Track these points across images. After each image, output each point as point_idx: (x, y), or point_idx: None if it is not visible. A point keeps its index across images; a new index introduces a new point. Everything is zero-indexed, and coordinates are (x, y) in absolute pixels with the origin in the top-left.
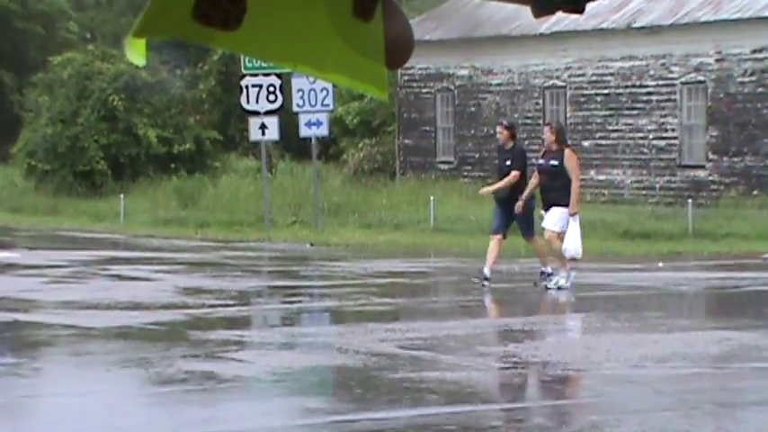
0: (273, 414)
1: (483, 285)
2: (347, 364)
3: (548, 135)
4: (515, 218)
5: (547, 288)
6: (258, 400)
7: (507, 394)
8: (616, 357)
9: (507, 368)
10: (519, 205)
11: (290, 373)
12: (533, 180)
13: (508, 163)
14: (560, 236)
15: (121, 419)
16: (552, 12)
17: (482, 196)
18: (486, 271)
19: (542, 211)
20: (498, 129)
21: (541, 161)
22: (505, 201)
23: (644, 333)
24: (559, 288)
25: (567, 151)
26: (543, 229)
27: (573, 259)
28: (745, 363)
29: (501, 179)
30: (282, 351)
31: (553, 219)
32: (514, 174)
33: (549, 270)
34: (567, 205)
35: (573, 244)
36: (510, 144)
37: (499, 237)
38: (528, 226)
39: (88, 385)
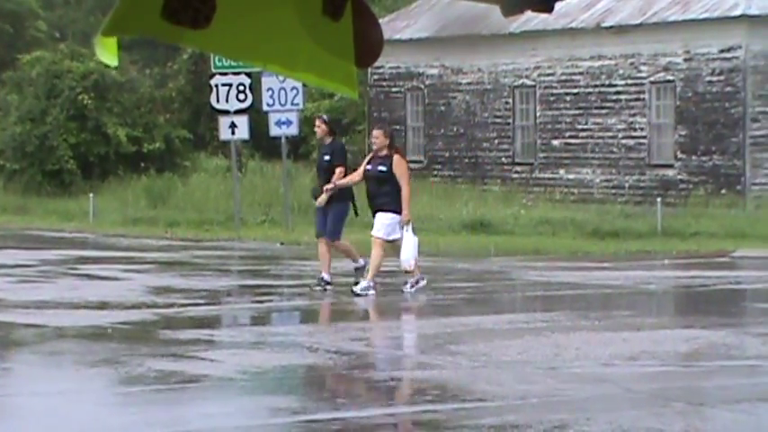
0: (243, 413)
1: (325, 290)
2: (317, 364)
3: (380, 139)
4: (329, 216)
5: (355, 294)
6: (228, 400)
7: (477, 393)
8: (586, 356)
9: (477, 367)
10: (322, 199)
11: (260, 373)
12: (352, 178)
13: (327, 158)
14: (385, 243)
15: (91, 419)
16: (522, 11)
17: (451, 194)
18: (325, 276)
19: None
20: (317, 123)
21: (369, 166)
22: (326, 200)
23: (613, 332)
24: (357, 295)
25: (396, 157)
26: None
27: (407, 271)
28: (713, 361)
29: (320, 175)
30: (252, 350)
31: (379, 225)
32: (340, 170)
33: (361, 263)
34: (394, 211)
35: (407, 254)
36: (329, 139)
37: (325, 239)
38: (335, 229)
39: (58, 385)
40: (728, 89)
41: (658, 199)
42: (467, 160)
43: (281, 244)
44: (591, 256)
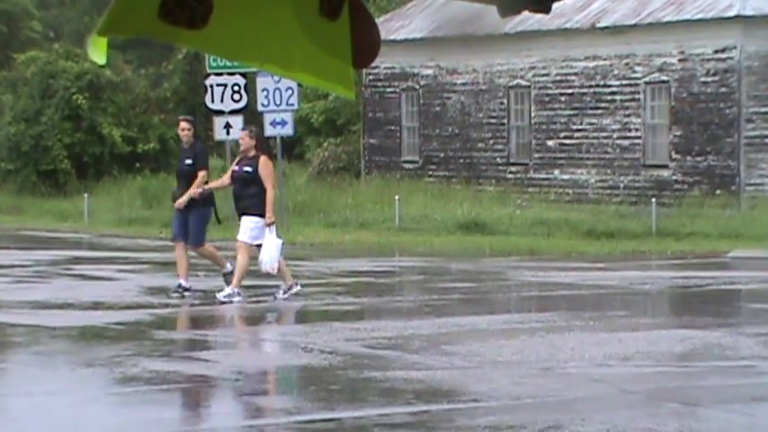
0: (238, 414)
1: (183, 296)
2: (312, 364)
3: (246, 140)
4: (189, 222)
5: (220, 301)
6: (223, 400)
7: (472, 393)
8: (581, 356)
9: (472, 367)
10: (180, 201)
11: (254, 373)
12: (215, 183)
13: (189, 162)
14: (251, 248)
15: (86, 419)
16: (519, 11)
17: (446, 195)
18: (183, 282)
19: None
20: (185, 125)
21: (236, 168)
22: (185, 204)
23: (608, 332)
24: (221, 302)
25: (262, 158)
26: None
27: (269, 274)
28: (707, 361)
29: (180, 179)
30: (247, 351)
31: (244, 228)
32: (202, 174)
33: (228, 268)
34: (259, 215)
35: (267, 256)
36: (191, 142)
37: (182, 243)
38: (197, 234)
39: (52, 385)
40: (723, 90)
41: (653, 199)
42: (462, 160)
43: None
44: (586, 257)
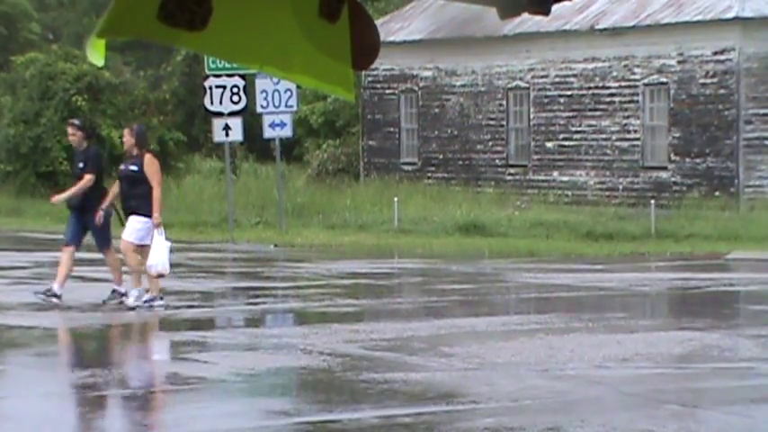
0: (237, 415)
1: (53, 302)
2: (311, 366)
3: (127, 138)
4: (91, 228)
5: (129, 308)
6: (222, 402)
7: (471, 395)
8: (579, 358)
9: (471, 369)
10: (99, 215)
11: (253, 375)
12: (114, 187)
13: (81, 166)
14: (140, 249)
15: (84, 421)
16: (518, 13)
17: (445, 196)
18: (56, 287)
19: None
20: (70, 130)
21: (122, 167)
22: (79, 209)
23: (607, 333)
24: (132, 308)
25: (147, 156)
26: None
27: (160, 276)
28: (707, 363)
29: (75, 183)
30: (246, 352)
31: (131, 229)
32: (88, 177)
33: (122, 290)
34: (147, 215)
35: (157, 258)
36: (84, 145)
37: (72, 249)
38: (103, 238)
39: (51, 387)
40: (722, 91)
41: (652, 201)
42: (461, 162)
43: (275, 246)
44: (585, 258)
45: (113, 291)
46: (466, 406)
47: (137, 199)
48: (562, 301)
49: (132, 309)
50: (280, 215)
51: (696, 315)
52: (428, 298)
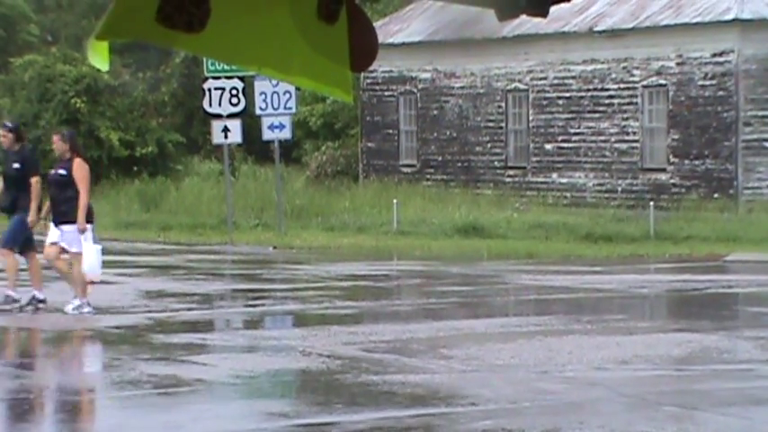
0: (236, 417)
1: (37, 309)
2: (310, 368)
3: (57, 144)
4: (10, 225)
5: (64, 312)
6: (221, 404)
7: (470, 396)
8: (578, 360)
9: (470, 370)
10: (32, 221)
11: (252, 377)
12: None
13: (16, 166)
14: (76, 256)
15: (84, 423)
16: (516, 15)
17: (444, 198)
18: (12, 293)
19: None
20: (1, 132)
21: (51, 171)
22: (11, 210)
23: (606, 335)
24: (78, 312)
25: (76, 161)
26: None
27: (91, 282)
28: (705, 365)
29: (8, 184)
30: (245, 354)
31: (62, 235)
32: (35, 180)
33: (15, 295)
34: (75, 221)
35: (89, 265)
36: (16, 146)
37: (33, 253)
38: (12, 239)
39: (50, 388)
40: (721, 93)
41: (651, 203)
42: (459, 164)
43: (274, 248)
44: (583, 260)
45: (6, 296)
46: (465, 408)
47: (66, 203)
48: (561, 303)
49: (66, 313)
50: (279, 217)
51: (695, 317)
52: (427, 300)
